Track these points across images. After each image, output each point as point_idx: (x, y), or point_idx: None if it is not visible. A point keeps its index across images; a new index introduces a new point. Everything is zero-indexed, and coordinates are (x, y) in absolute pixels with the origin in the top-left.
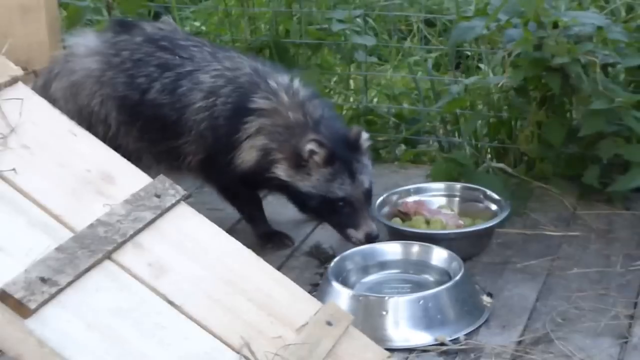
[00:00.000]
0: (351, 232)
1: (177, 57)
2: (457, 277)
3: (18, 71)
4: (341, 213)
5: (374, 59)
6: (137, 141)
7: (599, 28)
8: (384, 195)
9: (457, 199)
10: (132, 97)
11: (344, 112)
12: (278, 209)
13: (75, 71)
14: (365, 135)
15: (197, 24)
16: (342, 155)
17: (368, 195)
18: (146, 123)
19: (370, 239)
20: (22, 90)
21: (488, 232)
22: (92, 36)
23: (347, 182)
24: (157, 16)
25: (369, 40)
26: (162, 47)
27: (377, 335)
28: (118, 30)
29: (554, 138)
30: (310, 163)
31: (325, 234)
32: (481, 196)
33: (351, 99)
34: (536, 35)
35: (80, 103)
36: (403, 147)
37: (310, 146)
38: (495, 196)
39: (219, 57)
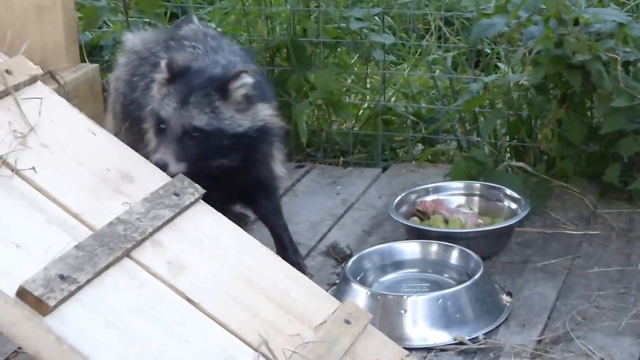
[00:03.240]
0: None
1: None
2: (476, 276)
3: (37, 70)
4: (159, 136)
5: (392, 58)
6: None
7: (620, 25)
8: (402, 194)
9: (476, 198)
10: (127, 94)
11: (361, 111)
12: (295, 209)
13: (117, 65)
14: (240, 82)
15: (213, 25)
16: (184, 84)
17: (194, 131)
18: (131, 123)
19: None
20: (41, 90)
21: (507, 231)
22: (141, 33)
23: (171, 106)
24: (173, 16)
25: (387, 39)
26: (168, 46)
27: (395, 334)
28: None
29: (574, 136)
30: (156, 82)
31: (342, 234)
32: (501, 195)
33: (368, 98)
34: (557, 33)
35: (117, 98)
36: (421, 146)
37: (162, 64)
38: (515, 195)
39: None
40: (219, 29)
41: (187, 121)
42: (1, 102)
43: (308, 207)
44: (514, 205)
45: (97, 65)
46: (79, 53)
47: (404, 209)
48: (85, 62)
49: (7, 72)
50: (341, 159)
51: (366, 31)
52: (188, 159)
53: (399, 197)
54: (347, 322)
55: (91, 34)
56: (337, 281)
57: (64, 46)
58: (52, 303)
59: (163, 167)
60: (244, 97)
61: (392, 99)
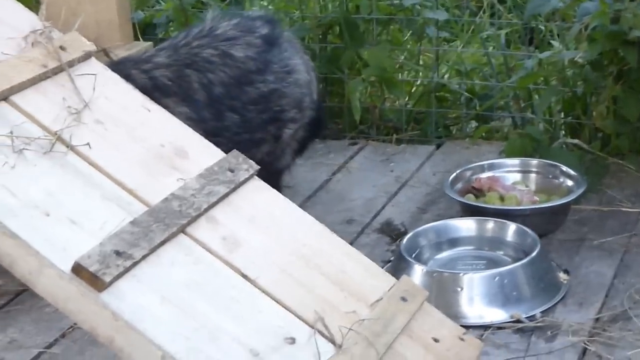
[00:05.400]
0: None
1: None
2: (533, 254)
3: (91, 47)
4: None
5: (445, 35)
6: None
7: None
8: (457, 172)
9: (532, 175)
10: None
11: (415, 88)
12: (348, 186)
13: None
14: None
15: (264, 2)
16: None
17: None
18: None
19: None
20: (95, 66)
21: (564, 209)
22: (216, 17)
23: None
24: None
25: (441, 15)
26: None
27: (451, 312)
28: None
29: (629, 113)
30: None
31: (396, 211)
32: (557, 172)
33: (422, 75)
34: (613, 8)
35: None
36: (475, 123)
37: None
38: (571, 172)
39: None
40: (270, 7)
41: None
42: (55, 78)
43: (361, 184)
44: (570, 183)
45: (150, 43)
46: (132, 31)
47: (458, 186)
48: (139, 40)
49: (61, 48)
50: (394, 136)
51: (419, 8)
52: None
53: (454, 174)
54: (404, 299)
55: (144, 12)
56: (391, 258)
57: (118, 24)
58: (107, 279)
59: None
60: None
61: (446, 76)
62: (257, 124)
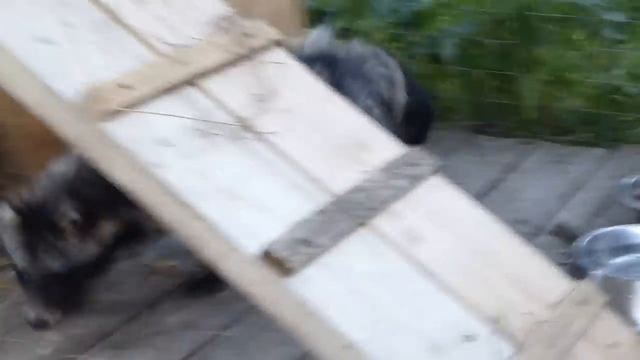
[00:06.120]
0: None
1: None
2: None
3: (277, 35)
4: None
5: (622, 36)
6: None
7: None
8: (634, 177)
9: None
10: None
11: (589, 89)
12: (520, 187)
13: None
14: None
15: None
16: None
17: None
18: None
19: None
20: (281, 55)
21: None
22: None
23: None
24: None
25: (618, 17)
26: None
27: (625, 318)
28: None
29: None
30: None
31: (569, 214)
32: None
33: (596, 76)
34: None
35: None
36: None
37: None
38: None
39: None
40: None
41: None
42: (241, 65)
43: (534, 185)
44: None
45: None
46: (304, 19)
47: (635, 192)
48: (310, 29)
49: (247, 35)
50: (568, 137)
51: (597, 8)
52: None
53: (630, 180)
54: (583, 303)
55: (315, 1)
56: (565, 262)
57: (289, 12)
58: (295, 266)
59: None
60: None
61: (622, 79)
62: None
